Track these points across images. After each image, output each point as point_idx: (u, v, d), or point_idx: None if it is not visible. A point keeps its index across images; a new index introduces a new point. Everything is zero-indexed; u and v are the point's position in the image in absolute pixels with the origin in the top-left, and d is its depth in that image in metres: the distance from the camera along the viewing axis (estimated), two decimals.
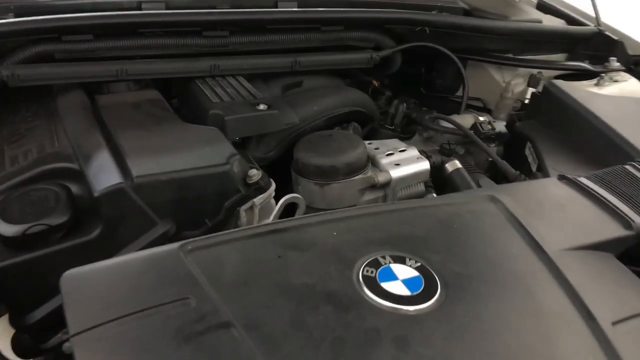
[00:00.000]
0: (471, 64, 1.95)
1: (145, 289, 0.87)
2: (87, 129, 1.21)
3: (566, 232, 1.08)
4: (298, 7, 1.65)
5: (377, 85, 1.81)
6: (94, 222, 1.09)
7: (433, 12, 1.81)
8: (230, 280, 0.89)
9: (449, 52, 1.76)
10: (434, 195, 1.41)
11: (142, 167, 1.12)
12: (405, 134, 1.67)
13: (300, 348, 0.79)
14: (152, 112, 1.29)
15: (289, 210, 1.23)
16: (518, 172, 1.38)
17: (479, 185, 1.40)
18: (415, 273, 0.92)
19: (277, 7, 1.64)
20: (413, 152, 1.38)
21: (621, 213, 1.11)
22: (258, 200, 1.18)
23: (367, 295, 0.87)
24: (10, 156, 1.24)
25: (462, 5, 1.94)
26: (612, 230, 1.09)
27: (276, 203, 1.19)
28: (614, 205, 1.13)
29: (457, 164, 1.39)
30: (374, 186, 1.33)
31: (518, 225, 1.05)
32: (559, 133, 1.55)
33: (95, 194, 1.06)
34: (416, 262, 0.94)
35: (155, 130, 1.23)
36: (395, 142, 1.43)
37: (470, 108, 1.95)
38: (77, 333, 0.81)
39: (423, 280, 0.91)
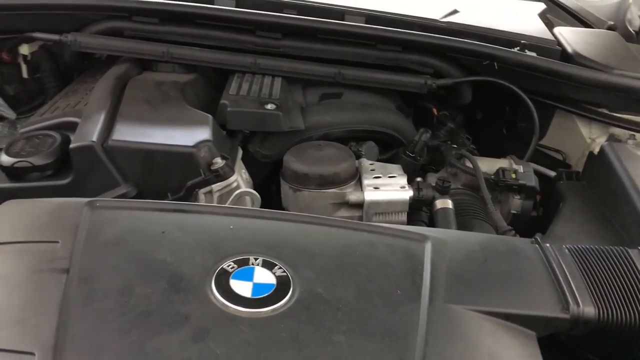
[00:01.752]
0: (561, 113, 1.76)
1: (37, 227, 0.99)
2: (105, 94, 1.38)
3: (481, 292, 0.97)
4: (365, 23, 1.66)
5: (437, 114, 1.74)
6: (70, 171, 1.25)
7: (515, 48, 1.68)
8: (104, 239, 0.96)
9: (518, 91, 1.63)
10: None
11: (122, 133, 1.25)
12: (436, 166, 1.59)
13: (109, 310, 0.84)
14: (166, 92, 1.42)
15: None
16: (509, 228, 1.24)
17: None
18: (272, 281, 0.91)
19: (343, 20, 1.67)
20: (401, 180, 1.32)
21: (567, 293, 0.96)
22: (216, 186, 1.24)
23: (208, 286, 0.89)
24: (55, 106, 1.47)
25: (562, 47, 1.77)
26: (537, 307, 0.95)
27: None
28: (566, 283, 0.98)
29: (448, 203, 1.30)
30: (348, 203, 1.30)
31: (427, 271, 0.97)
32: (598, 201, 1.35)
33: (70, 147, 1.22)
34: (283, 271, 0.93)
35: (156, 107, 1.36)
36: (394, 168, 1.38)
37: (549, 160, 1.78)
38: None
39: (274, 289, 0.90)
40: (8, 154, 1.26)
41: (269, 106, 1.42)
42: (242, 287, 0.89)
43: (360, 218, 1.32)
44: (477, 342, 0.88)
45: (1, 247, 0.95)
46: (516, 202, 1.41)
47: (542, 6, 2.08)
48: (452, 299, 0.93)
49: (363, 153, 1.46)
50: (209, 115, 1.35)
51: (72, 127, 1.33)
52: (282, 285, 0.90)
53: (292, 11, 1.66)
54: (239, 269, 0.93)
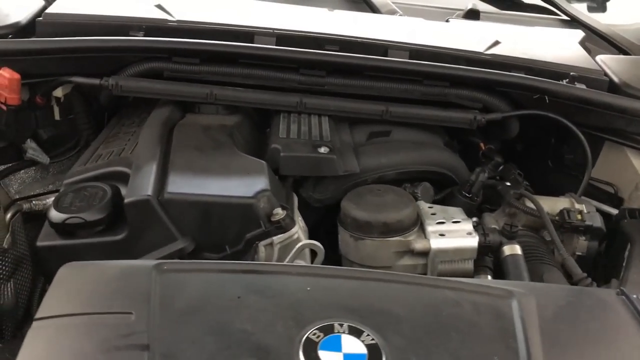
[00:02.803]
0: (610, 144, 1.72)
1: (106, 295, 0.94)
2: (153, 141, 1.33)
3: (580, 355, 0.91)
4: (409, 58, 1.62)
5: (484, 148, 1.69)
6: (124, 226, 1.19)
7: (564, 81, 1.64)
8: (180, 307, 0.91)
9: (570, 125, 1.58)
10: (489, 278, 1.28)
11: (177, 185, 1.20)
12: (494, 206, 1.53)
13: None
14: (216, 137, 1.37)
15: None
16: (585, 275, 1.19)
17: (541, 279, 1.24)
18: (363, 350, 0.86)
19: (387, 55, 1.62)
20: (466, 225, 1.26)
21: None
22: (277, 239, 1.18)
23: (297, 359, 0.83)
24: (98, 154, 1.42)
25: (609, 77, 1.72)
26: None
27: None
28: None
29: (517, 249, 1.24)
30: (412, 252, 1.25)
31: (519, 332, 0.92)
32: None
33: (125, 201, 1.17)
34: (372, 339, 0.87)
35: (208, 154, 1.31)
36: (456, 212, 1.33)
37: (599, 193, 1.72)
38: (38, 318, 0.91)
39: (367, 359, 0.84)
40: (58, 209, 1.20)
41: (323, 149, 1.37)
42: (332, 359, 0.84)
43: (425, 266, 1.26)
44: None
45: (69, 319, 0.89)
46: (582, 244, 1.36)
47: (580, 34, 2.05)
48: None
49: (419, 195, 1.41)
50: (263, 162, 1.30)
51: (120, 177, 1.28)
52: (374, 355, 0.85)
53: (334, 47, 1.62)
54: (326, 337, 0.87)
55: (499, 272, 1.30)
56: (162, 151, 1.30)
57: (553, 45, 1.88)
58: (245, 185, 1.21)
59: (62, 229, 1.19)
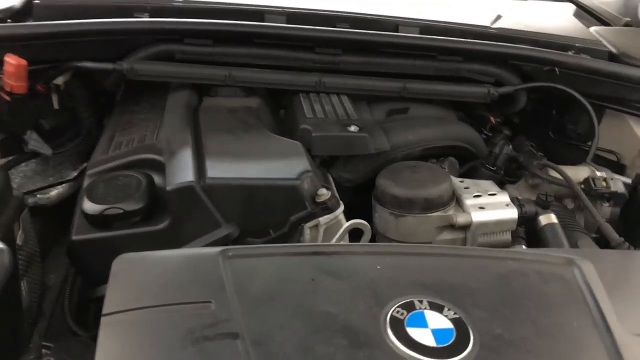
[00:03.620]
0: (610, 113, 1.77)
1: (177, 285, 0.90)
2: (181, 126, 1.28)
3: None
4: (420, 34, 1.62)
5: (494, 122, 1.72)
6: (165, 214, 1.15)
7: (570, 52, 1.67)
8: (256, 293, 0.89)
9: (580, 97, 1.61)
10: (524, 247, 1.30)
11: (217, 169, 1.16)
12: (512, 178, 1.56)
13: None
14: (244, 120, 1.33)
15: (359, 235, 1.21)
16: (622, 239, 1.22)
17: (576, 246, 1.26)
18: (449, 325, 0.86)
19: (397, 32, 1.62)
20: (503, 197, 1.28)
21: None
22: (323, 219, 1.17)
23: (388, 337, 0.82)
24: (117, 142, 1.36)
25: (608, 48, 1.77)
26: None
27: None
28: None
29: (553, 218, 1.27)
30: (452, 226, 1.25)
31: (589, 297, 0.94)
32: None
33: (168, 188, 1.13)
34: (455, 313, 0.87)
35: (241, 137, 1.27)
36: (488, 185, 1.34)
37: (601, 161, 1.78)
38: (107, 313, 0.86)
39: (455, 333, 0.84)
40: (92, 200, 1.14)
41: (352, 128, 1.36)
42: (422, 335, 0.84)
43: (464, 240, 1.27)
44: None
45: (143, 312, 0.86)
46: (605, 210, 1.40)
47: (571, 7, 2.09)
48: (629, 326, 0.90)
49: (447, 170, 1.42)
50: (299, 143, 1.27)
51: (150, 164, 1.23)
52: (461, 329, 0.85)
53: (345, 24, 1.60)
54: (410, 314, 0.87)
55: (531, 241, 1.32)
56: (193, 136, 1.26)
57: (551, 18, 1.92)
58: (286, 167, 1.19)
59: (98, 220, 1.14)
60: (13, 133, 1.53)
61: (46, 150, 1.59)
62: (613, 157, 1.79)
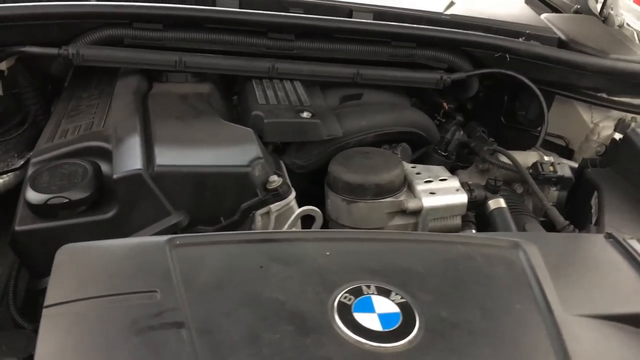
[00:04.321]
0: (559, 99, 1.81)
1: (122, 275, 0.89)
2: (129, 113, 1.26)
3: (590, 296, 0.97)
4: (374, 19, 1.62)
5: (447, 107, 1.73)
6: (112, 203, 1.13)
7: (520, 39, 1.70)
8: (203, 282, 0.88)
9: (529, 83, 1.64)
10: (473, 231, 1.32)
11: (166, 157, 1.14)
12: (464, 163, 1.58)
13: None
14: (195, 106, 1.32)
15: (312, 221, 1.21)
16: (567, 223, 1.26)
17: (523, 229, 1.29)
18: (396, 309, 0.86)
19: (351, 17, 1.61)
20: (453, 182, 1.30)
21: None
22: (275, 206, 1.16)
23: (335, 323, 0.83)
24: (63, 129, 1.32)
25: (557, 34, 1.80)
26: None
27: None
28: None
29: (501, 202, 1.29)
30: (404, 212, 1.27)
31: (533, 280, 0.96)
32: (634, 187, 1.39)
33: (115, 177, 1.10)
34: (401, 297, 0.88)
35: (191, 124, 1.25)
36: (440, 170, 1.36)
37: (550, 146, 1.82)
38: (48, 305, 0.84)
39: (401, 318, 0.85)
40: (35, 189, 1.11)
41: (305, 114, 1.35)
42: (369, 320, 0.84)
43: (415, 225, 1.28)
44: (609, 348, 0.88)
45: (87, 303, 0.84)
46: (552, 194, 1.43)
47: None
48: (569, 307, 0.92)
49: (399, 156, 1.43)
50: (250, 129, 1.26)
51: (97, 152, 1.20)
52: (407, 313, 0.86)
53: (298, 10, 1.59)
54: (357, 300, 0.87)
55: (480, 225, 1.35)
56: (141, 123, 1.23)
57: (502, 5, 1.94)
58: (237, 153, 1.18)
59: (43, 210, 1.11)
60: None
61: None
62: (562, 143, 1.83)
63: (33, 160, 1.23)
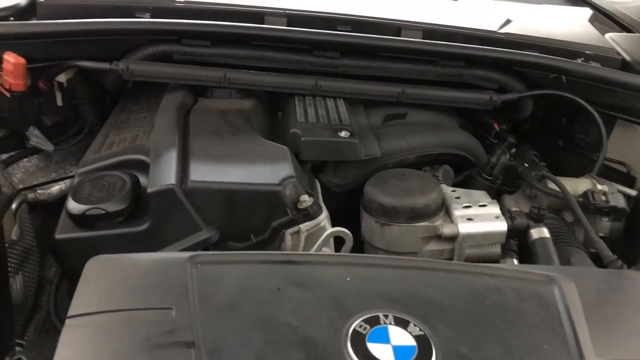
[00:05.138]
0: (622, 123, 1.71)
1: (142, 290, 0.90)
2: (170, 128, 1.28)
3: (626, 341, 0.90)
4: (423, 38, 1.59)
5: (498, 129, 1.68)
6: (147, 216, 1.15)
7: (579, 59, 1.62)
8: (219, 301, 0.88)
9: (587, 105, 1.56)
10: (515, 261, 1.26)
11: (200, 173, 1.16)
12: (513, 187, 1.52)
13: None
14: (233, 122, 1.33)
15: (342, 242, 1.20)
16: (615, 257, 1.18)
17: (568, 261, 1.23)
18: (412, 342, 0.83)
19: (400, 35, 1.59)
20: (493, 209, 1.25)
21: None
22: (305, 226, 1.16)
23: (347, 352, 0.81)
24: (110, 141, 1.37)
25: (622, 55, 1.71)
26: None
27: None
28: None
29: (545, 232, 1.23)
30: (439, 237, 1.23)
31: (565, 318, 0.91)
32: None
33: (148, 190, 1.13)
34: (420, 330, 0.85)
35: (228, 140, 1.27)
36: (481, 195, 1.31)
37: (612, 173, 1.72)
38: (72, 316, 0.87)
39: (417, 351, 0.82)
40: (76, 200, 1.15)
41: (343, 133, 1.34)
42: (382, 352, 0.82)
43: (451, 251, 1.24)
44: None
45: (105, 316, 0.86)
46: (604, 225, 1.36)
47: (588, 11, 2.03)
48: (602, 351, 0.86)
49: (440, 179, 1.39)
50: (285, 147, 1.26)
51: (138, 165, 1.24)
52: (424, 347, 0.83)
53: (346, 27, 1.58)
54: (372, 329, 0.85)
55: (523, 255, 1.29)
56: (181, 138, 1.26)
57: (564, 23, 1.86)
58: (269, 172, 1.18)
59: (81, 220, 1.15)
60: (14, 129, 1.55)
61: (48, 146, 1.61)
62: (623, 169, 1.73)
63: (79, 170, 1.28)
